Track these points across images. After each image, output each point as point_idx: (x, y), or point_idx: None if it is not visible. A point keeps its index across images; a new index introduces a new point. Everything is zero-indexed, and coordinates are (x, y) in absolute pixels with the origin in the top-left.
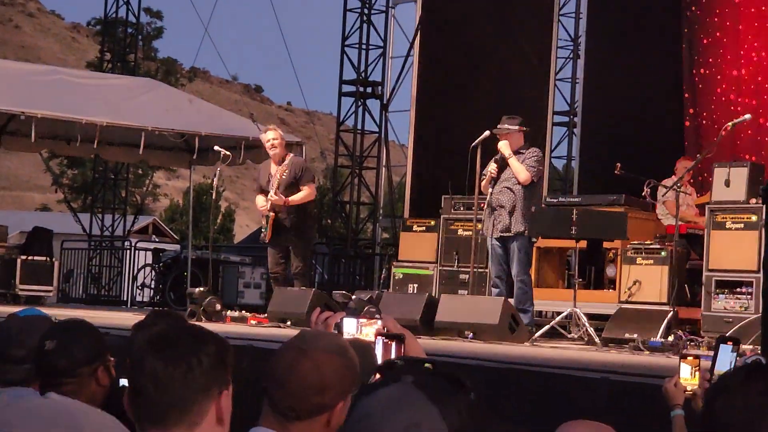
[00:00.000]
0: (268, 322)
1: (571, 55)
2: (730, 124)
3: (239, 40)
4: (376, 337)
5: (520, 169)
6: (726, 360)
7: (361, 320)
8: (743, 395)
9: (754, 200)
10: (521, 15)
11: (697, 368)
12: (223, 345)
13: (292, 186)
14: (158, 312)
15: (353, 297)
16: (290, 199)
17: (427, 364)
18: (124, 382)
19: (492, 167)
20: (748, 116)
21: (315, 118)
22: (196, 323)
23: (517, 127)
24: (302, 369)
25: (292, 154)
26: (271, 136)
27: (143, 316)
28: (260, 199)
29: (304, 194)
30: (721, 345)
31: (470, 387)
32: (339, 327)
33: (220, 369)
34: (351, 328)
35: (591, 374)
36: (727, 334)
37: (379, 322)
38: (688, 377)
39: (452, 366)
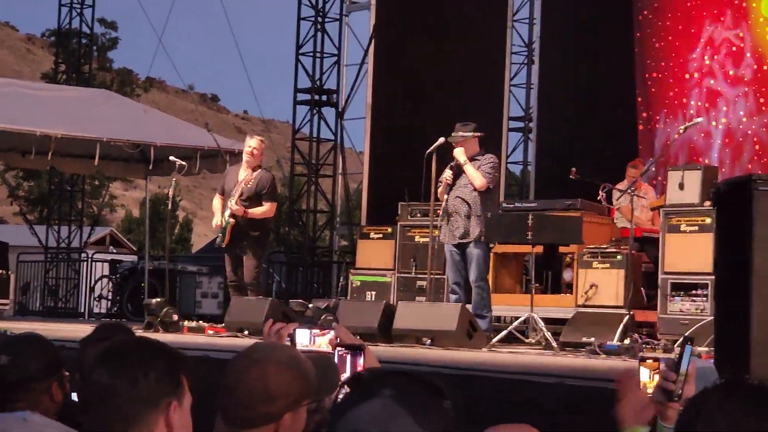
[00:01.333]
0: (225, 332)
1: (525, 61)
2: (682, 128)
3: (195, 50)
4: (333, 349)
5: (475, 176)
6: (686, 361)
7: (314, 331)
8: (726, 418)
9: (708, 203)
10: (475, 21)
11: (656, 371)
12: (175, 357)
13: (254, 198)
14: (106, 325)
15: (310, 305)
16: (250, 211)
17: (387, 373)
18: (76, 397)
19: (447, 174)
20: (700, 119)
21: (272, 127)
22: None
23: (471, 134)
24: (250, 378)
25: (263, 169)
26: (253, 144)
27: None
28: (217, 202)
29: (264, 210)
30: (687, 346)
31: (446, 394)
32: (292, 338)
33: (168, 381)
34: (304, 338)
35: (547, 379)
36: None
37: (332, 333)
38: (646, 380)
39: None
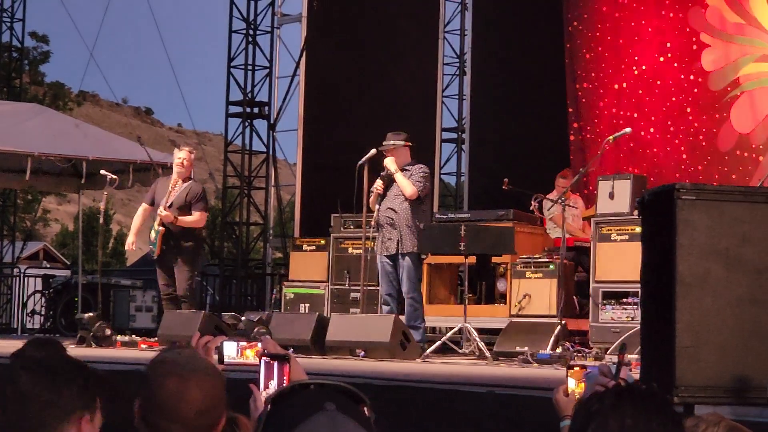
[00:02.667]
0: (159, 345)
1: (457, 72)
2: (610, 137)
3: (128, 63)
4: (260, 359)
5: (406, 185)
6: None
7: (242, 343)
8: (616, 419)
9: (637, 212)
10: (407, 32)
11: (583, 379)
12: (95, 376)
13: (184, 208)
14: (36, 340)
15: (243, 318)
16: (180, 218)
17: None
18: None
19: (378, 184)
20: (627, 130)
21: (205, 139)
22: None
23: (402, 142)
24: (190, 395)
25: (192, 180)
26: (182, 156)
27: None
28: (140, 214)
29: (193, 219)
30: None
31: (368, 402)
32: (220, 351)
33: (86, 397)
34: (231, 351)
35: (478, 388)
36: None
37: (259, 345)
38: (574, 387)
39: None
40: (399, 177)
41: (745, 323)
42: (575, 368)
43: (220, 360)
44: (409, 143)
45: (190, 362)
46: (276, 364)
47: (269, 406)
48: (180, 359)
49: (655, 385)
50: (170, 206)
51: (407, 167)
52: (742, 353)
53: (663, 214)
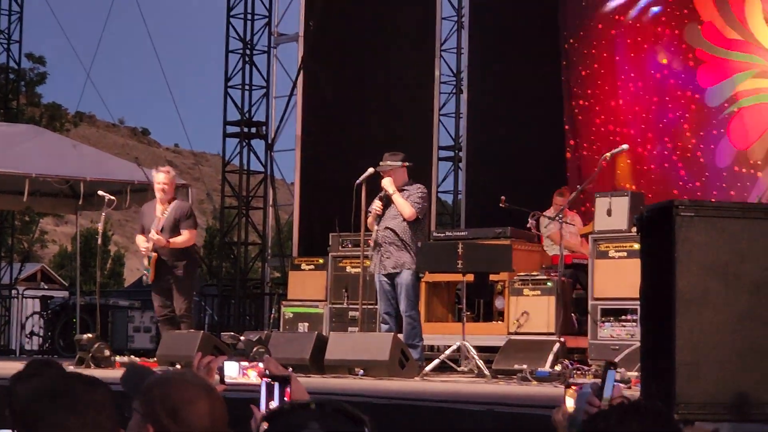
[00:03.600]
0: (158, 366)
1: (454, 90)
2: (608, 154)
3: (125, 84)
4: (262, 380)
5: (404, 206)
6: (611, 386)
7: (243, 363)
8: None
9: (635, 228)
10: (404, 51)
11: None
12: (109, 388)
13: (174, 229)
14: (37, 361)
15: (242, 338)
16: (171, 240)
17: (311, 405)
18: None
19: (376, 204)
20: (625, 146)
21: (203, 160)
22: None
23: (399, 163)
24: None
25: (178, 199)
26: (161, 179)
27: None
28: (140, 239)
29: (183, 238)
30: (609, 371)
31: (368, 422)
32: (221, 371)
33: (112, 410)
34: (233, 371)
35: (477, 407)
36: (616, 360)
37: (261, 364)
38: (572, 406)
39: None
40: (397, 198)
41: (744, 339)
42: (573, 387)
43: (222, 380)
44: (407, 163)
45: (202, 381)
46: (277, 384)
47: (265, 424)
48: (196, 378)
49: (659, 402)
50: (162, 230)
51: (405, 187)
52: (741, 369)
53: (662, 230)
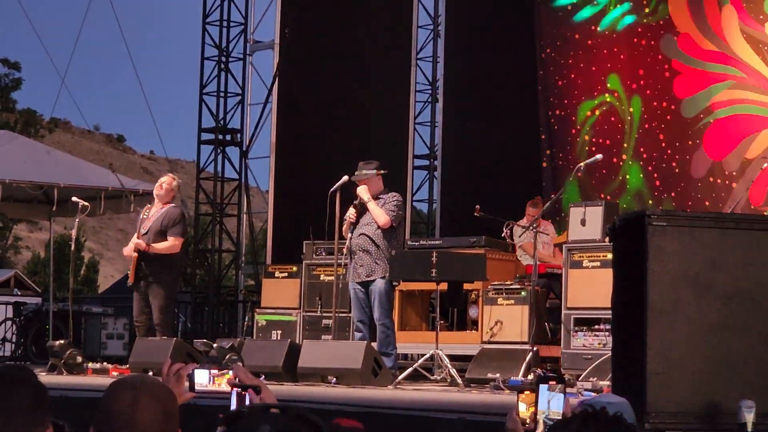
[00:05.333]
0: (130, 373)
1: (429, 99)
2: (582, 164)
3: (100, 90)
4: (232, 389)
5: (379, 214)
6: (544, 399)
7: (213, 371)
8: None
9: (608, 238)
10: (379, 59)
11: (533, 404)
12: (42, 388)
13: (161, 234)
14: (7, 367)
15: (215, 345)
16: (153, 245)
17: (273, 409)
18: None
19: (351, 212)
20: (599, 156)
21: (178, 167)
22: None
23: (374, 172)
24: (143, 406)
25: (172, 204)
26: (163, 179)
27: None
28: (131, 243)
29: (167, 245)
30: (541, 384)
31: (323, 427)
32: (191, 378)
33: (38, 411)
34: (203, 379)
35: (449, 415)
36: (545, 374)
37: (231, 372)
38: (524, 411)
39: (315, 412)
40: (372, 206)
41: (716, 349)
42: (525, 392)
43: (191, 387)
44: (381, 171)
45: (143, 378)
46: (247, 393)
47: (222, 427)
48: (133, 377)
49: (619, 412)
50: (147, 233)
51: (381, 196)
52: (713, 379)
53: (634, 239)
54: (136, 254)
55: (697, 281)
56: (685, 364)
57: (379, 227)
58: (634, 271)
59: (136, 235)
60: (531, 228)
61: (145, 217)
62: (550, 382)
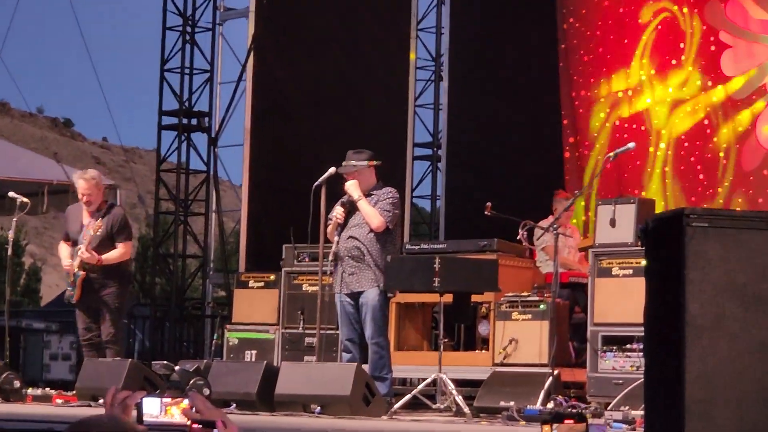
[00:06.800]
0: (77, 400)
1: (432, 77)
2: (612, 154)
3: (44, 67)
4: (188, 421)
5: (372, 215)
6: None
7: (165, 399)
8: None
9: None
10: (373, 30)
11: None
12: None
13: (107, 241)
14: None
15: (177, 368)
16: (104, 257)
17: None
18: None
19: (338, 212)
20: (631, 144)
21: (135, 156)
22: None
23: (366, 163)
24: None
25: (110, 202)
26: (82, 187)
27: None
28: (64, 250)
29: (118, 253)
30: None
31: None
32: (139, 408)
33: None
34: (153, 409)
35: None
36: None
37: (186, 401)
38: None
39: None
40: (363, 205)
41: (766, 373)
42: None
43: (139, 419)
44: (374, 163)
45: (114, 425)
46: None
47: None
48: (102, 423)
49: None
50: (90, 243)
51: (373, 191)
52: (762, 408)
53: (670, 244)
54: (83, 273)
55: (744, 293)
56: (730, 390)
57: (372, 230)
58: (670, 281)
59: (83, 247)
60: (551, 229)
61: (85, 223)
62: (566, 421)
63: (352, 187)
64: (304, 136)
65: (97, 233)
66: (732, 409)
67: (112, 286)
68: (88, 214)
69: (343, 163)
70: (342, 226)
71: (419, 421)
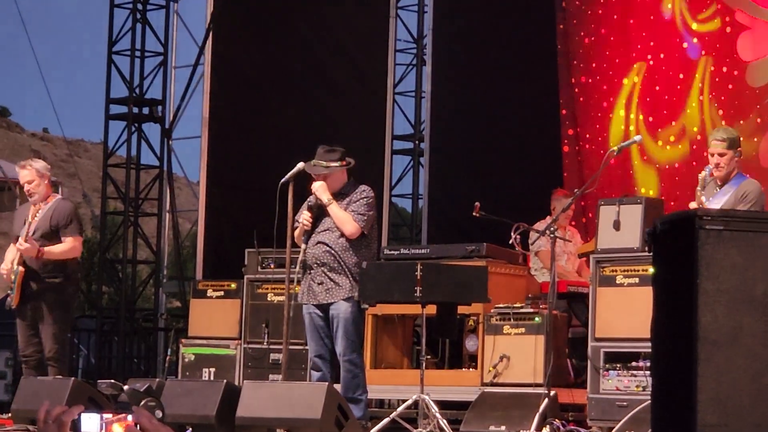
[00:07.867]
0: (13, 424)
1: (414, 61)
2: (615, 148)
3: None
4: None
5: (345, 220)
6: None
7: (106, 416)
8: None
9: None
10: (348, 9)
11: None
12: None
13: (51, 236)
14: None
15: (126, 387)
16: (46, 249)
17: None
18: None
19: (305, 216)
20: (638, 137)
21: (80, 149)
22: None
23: (337, 164)
24: None
25: (58, 196)
26: (25, 176)
27: None
28: (9, 252)
29: (65, 247)
30: None
31: None
32: (76, 425)
33: None
34: (92, 426)
35: None
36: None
37: (130, 417)
38: None
39: None
40: (334, 209)
41: None
42: None
43: None
44: (347, 159)
45: None
46: None
47: None
48: None
49: None
50: (33, 234)
51: (345, 191)
52: None
53: (681, 249)
54: (22, 269)
55: (763, 304)
56: (747, 415)
57: (344, 235)
58: (680, 291)
59: (22, 239)
60: (547, 232)
61: (30, 221)
62: None
63: (320, 190)
64: (269, 127)
65: (35, 218)
66: None
67: (56, 289)
68: (33, 208)
69: (313, 162)
70: (309, 232)
71: None
